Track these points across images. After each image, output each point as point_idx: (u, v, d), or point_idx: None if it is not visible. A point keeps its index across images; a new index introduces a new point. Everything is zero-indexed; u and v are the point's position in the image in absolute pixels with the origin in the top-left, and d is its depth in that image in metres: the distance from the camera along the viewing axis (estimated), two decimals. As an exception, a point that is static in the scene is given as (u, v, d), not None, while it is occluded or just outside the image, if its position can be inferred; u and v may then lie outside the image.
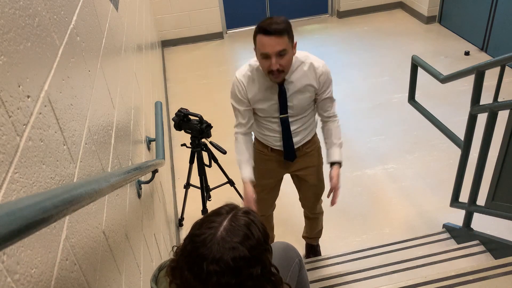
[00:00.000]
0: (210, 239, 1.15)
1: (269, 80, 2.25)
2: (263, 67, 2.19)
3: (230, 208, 1.24)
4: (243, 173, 2.45)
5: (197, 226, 1.23)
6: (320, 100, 2.43)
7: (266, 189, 2.76)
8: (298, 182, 2.81)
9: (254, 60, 2.31)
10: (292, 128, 2.45)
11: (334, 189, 2.45)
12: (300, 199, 2.96)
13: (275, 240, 3.15)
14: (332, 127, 2.54)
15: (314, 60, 2.32)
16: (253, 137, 2.62)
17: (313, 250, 3.29)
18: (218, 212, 1.24)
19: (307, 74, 2.30)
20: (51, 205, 0.71)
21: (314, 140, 2.64)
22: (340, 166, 2.54)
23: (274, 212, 3.06)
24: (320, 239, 3.30)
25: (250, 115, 2.45)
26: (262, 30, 2.07)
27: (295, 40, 2.20)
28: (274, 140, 2.53)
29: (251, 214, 1.23)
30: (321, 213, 3.06)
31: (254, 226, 1.19)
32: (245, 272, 1.13)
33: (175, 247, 1.28)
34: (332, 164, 2.53)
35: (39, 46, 1.04)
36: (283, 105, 2.34)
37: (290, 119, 2.41)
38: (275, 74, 2.15)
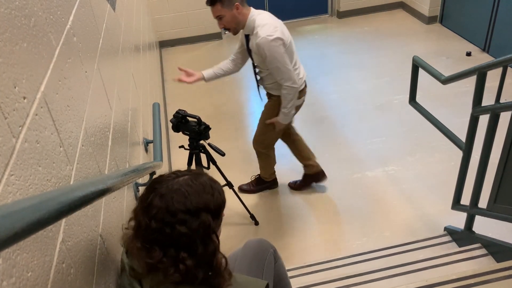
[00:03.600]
0: (167, 180, 1.33)
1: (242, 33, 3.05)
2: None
3: (199, 172, 1.39)
4: (204, 71, 3.38)
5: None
6: (269, 68, 3.01)
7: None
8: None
9: None
10: (259, 75, 3.22)
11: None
12: None
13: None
14: (283, 92, 3.08)
15: (262, 30, 2.85)
16: (231, 65, 3.41)
17: (257, 179, 3.91)
18: (187, 169, 1.41)
19: (254, 39, 2.90)
20: (47, 208, 0.71)
21: (275, 99, 3.23)
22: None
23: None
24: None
25: (238, 52, 3.30)
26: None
27: (236, 3, 2.80)
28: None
29: (216, 183, 1.38)
30: (259, 152, 3.65)
31: (210, 190, 1.33)
32: (181, 217, 1.26)
33: None
34: None
35: (35, 47, 1.05)
36: (249, 54, 3.11)
37: (256, 69, 3.20)
38: (227, 30, 3.00)
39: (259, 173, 3.87)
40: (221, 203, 1.38)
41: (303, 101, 3.33)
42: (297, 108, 3.31)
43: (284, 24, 3.02)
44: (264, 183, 3.90)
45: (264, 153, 3.64)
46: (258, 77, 3.26)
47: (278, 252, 2.21)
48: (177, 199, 1.27)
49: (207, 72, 3.37)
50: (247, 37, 3.02)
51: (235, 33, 2.99)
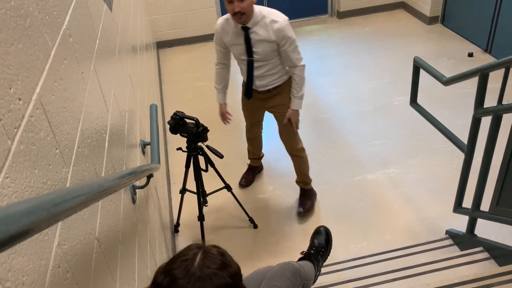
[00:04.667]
0: (187, 270, 1.12)
1: (237, 29, 2.97)
2: (229, 10, 2.85)
3: (199, 245, 1.23)
4: (218, 98, 3.53)
5: (167, 263, 1.20)
6: (281, 52, 3.03)
7: (250, 115, 3.68)
8: (276, 119, 3.48)
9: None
10: (259, 72, 3.15)
11: (292, 123, 3.33)
12: (279, 135, 3.55)
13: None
14: (294, 77, 3.15)
15: (276, 16, 2.91)
16: (225, 72, 3.43)
17: (304, 193, 3.75)
18: (187, 248, 1.22)
19: (267, 28, 2.91)
20: (43, 211, 0.71)
21: (286, 83, 3.26)
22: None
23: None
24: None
25: (224, 54, 3.29)
26: None
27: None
28: (246, 77, 3.27)
29: (220, 248, 1.24)
30: (301, 157, 3.57)
31: (228, 256, 1.21)
32: None
33: None
34: None
35: (30, 47, 1.05)
36: (248, 50, 3.03)
37: (256, 64, 3.10)
38: (238, 15, 2.81)
39: (304, 186, 3.74)
40: (237, 264, 1.26)
41: None
42: None
43: None
44: (311, 191, 3.78)
45: (304, 153, 3.58)
46: (256, 74, 3.19)
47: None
48: (217, 283, 1.12)
49: (222, 100, 3.53)
50: (246, 30, 2.95)
51: (244, 21, 2.88)
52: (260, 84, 3.24)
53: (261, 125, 3.81)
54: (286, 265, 2.19)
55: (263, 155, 4.14)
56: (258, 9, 2.91)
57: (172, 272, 1.13)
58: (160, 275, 1.16)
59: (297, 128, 3.36)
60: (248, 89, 3.33)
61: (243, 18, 2.84)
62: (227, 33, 3.06)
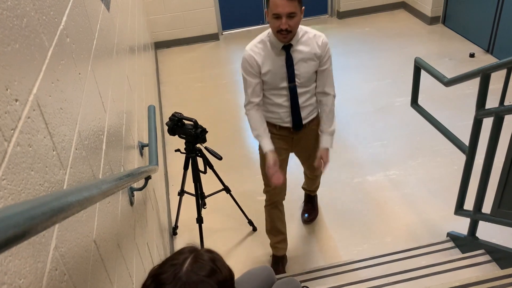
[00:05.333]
0: (174, 275, 1.13)
1: (276, 50, 2.61)
2: (273, 27, 2.51)
3: (191, 248, 1.23)
4: (264, 146, 2.80)
5: (157, 266, 1.20)
6: (320, 72, 2.73)
7: (278, 175, 2.89)
8: (302, 159, 3.20)
9: (262, 34, 2.67)
10: (300, 100, 2.75)
11: (324, 163, 2.91)
12: (305, 168, 3.33)
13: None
14: (325, 109, 2.83)
15: (317, 32, 2.67)
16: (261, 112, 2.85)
17: (311, 199, 3.69)
18: (179, 251, 1.22)
19: (311, 42, 2.63)
20: (40, 213, 0.71)
21: (318, 118, 2.93)
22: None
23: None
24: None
25: (258, 87, 2.73)
26: None
27: (303, 6, 2.51)
28: (284, 115, 2.81)
29: (215, 253, 1.24)
30: (319, 175, 3.41)
31: (220, 262, 1.21)
32: None
33: None
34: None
35: (27, 48, 1.05)
36: (291, 74, 2.65)
37: (298, 90, 2.71)
38: (284, 34, 2.48)
39: (311, 193, 3.70)
40: (231, 270, 1.26)
41: None
42: None
43: None
44: (316, 197, 3.76)
45: (321, 173, 3.37)
46: (300, 103, 2.77)
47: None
48: None
49: (269, 146, 2.78)
50: (288, 48, 2.60)
51: (290, 39, 2.55)
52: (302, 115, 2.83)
53: (286, 181, 3.14)
54: (291, 281, 2.20)
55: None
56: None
57: (159, 277, 1.15)
58: (148, 278, 1.17)
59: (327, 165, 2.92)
60: (297, 118, 2.81)
61: (288, 37, 2.53)
62: (262, 57, 2.63)
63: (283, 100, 2.75)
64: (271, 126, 2.87)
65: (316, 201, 3.75)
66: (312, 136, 2.95)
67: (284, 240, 3.28)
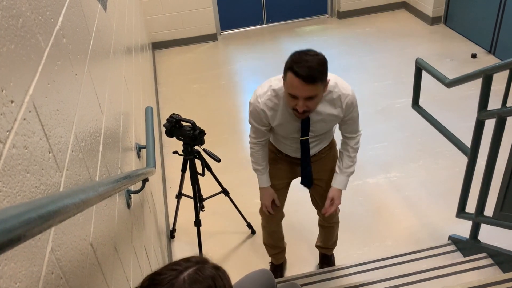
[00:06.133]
0: (169, 280, 1.13)
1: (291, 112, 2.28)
2: (288, 103, 2.20)
3: (200, 259, 1.22)
4: (262, 182, 2.66)
5: (159, 268, 1.21)
6: (343, 123, 2.47)
7: (274, 189, 2.79)
8: (313, 190, 2.84)
9: (276, 81, 2.31)
10: (312, 151, 2.55)
11: (331, 205, 2.61)
12: (314, 204, 2.96)
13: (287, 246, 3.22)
14: (348, 148, 2.55)
15: (343, 89, 2.30)
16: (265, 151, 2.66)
17: (327, 260, 3.30)
18: (187, 259, 1.22)
19: (334, 104, 2.32)
20: (36, 216, 0.71)
21: (330, 145, 2.69)
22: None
23: (285, 220, 3.07)
24: (318, 251, 3.31)
25: (266, 132, 2.51)
26: (295, 71, 2.03)
27: (328, 79, 2.17)
28: (291, 151, 2.61)
29: (220, 270, 1.22)
30: (337, 222, 3.06)
31: (220, 281, 1.19)
32: None
33: None
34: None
35: (23, 48, 1.05)
36: (304, 130, 2.40)
37: (310, 140, 2.48)
38: (300, 113, 2.18)
39: (328, 252, 3.32)
40: None
41: None
42: None
43: None
44: (333, 256, 3.37)
45: (338, 219, 3.08)
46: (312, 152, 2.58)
47: None
48: None
49: (266, 184, 2.68)
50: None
51: (306, 116, 2.28)
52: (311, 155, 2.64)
53: (283, 205, 2.98)
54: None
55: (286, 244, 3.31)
56: None
57: (157, 277, 1.16)
58: (148, 276, 1.19)
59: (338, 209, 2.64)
60: (306, 175, 2.66)
61: (305, 115, 2.25)
62: (274, 112, 2.35)
63: (292, 147, 2.56)
64: (277, 149, 2.68)
65: (333, 262, 3.33)
66: (321, 160, 2.68)
67: (282, 252, 3.24)
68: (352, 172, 2.59)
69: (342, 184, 2.59)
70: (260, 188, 2.70)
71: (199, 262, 1.20)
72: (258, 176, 2.67)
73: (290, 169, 2.74)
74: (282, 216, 3.00)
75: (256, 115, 2.38)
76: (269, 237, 3.11)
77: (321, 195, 2.78)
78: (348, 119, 2.41)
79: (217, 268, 1.21)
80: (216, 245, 3.55)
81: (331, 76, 2.24)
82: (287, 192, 2.89)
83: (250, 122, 2.49)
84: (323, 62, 2.08)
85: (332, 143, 2.71)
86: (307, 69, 2.01)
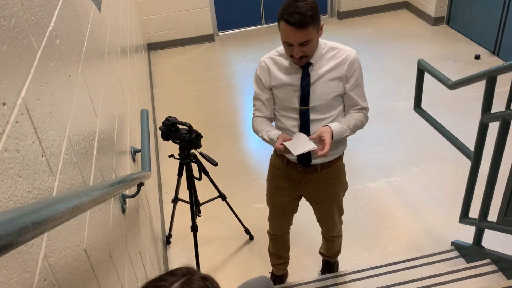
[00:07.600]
0: None
1: (293, 66, 2.36)
2: (286, 51, 2.31)
3: (187, 271, 1.19)
4: (273, 136, 2.43)
5: (147, 282, 1.18)
6: (347, 91, 2.42)
7: (279, 206, 2.85)
8: (313, 203, 2.84)
9: (281, 47, 2.39)
10: (312, 130, 2.42)
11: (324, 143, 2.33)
12: (317, 219, 2.98)
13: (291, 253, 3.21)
14: (354, 115, 2.50)
15: (345, 48, 2.39)
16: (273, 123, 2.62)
17: (329, 267, 3.31)
18: (172, 272, 1.19)
19: (337, 61, 2.35)
20: (28, 222, 0.71)
21: (338, 165, 2.68)
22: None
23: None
24: (318, 257, 3.32)
25: (269, 103, 2.52)
26: (286, 19, 2.13)
27: (321, 22, 2.26)
28: (291, 133, 2.48)
29: (209, 281, 1.19)
30: (339, 236, 3.09)
31: None
32: None
33: None
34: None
35: (15, 50, 1.05)
36: (304, 95, 2.37)
37: (311, 116, 2.41)
38: (297, 60, 2.26)
39: (330, 260, 3.32)
40: None
41: None
42: None
43: None
44: (337, 263, 3.36)
45: (341, 232, 3.11)
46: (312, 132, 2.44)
47: None
48: None
49: (275, 134, 2.44)
50: (306, 67, 2.34)
51: (305, 62, 2.30)
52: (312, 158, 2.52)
53: (292, 217, 2.98)
54: None
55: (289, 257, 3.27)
56: (322, 41, 2.36)
57: None
58: None
59: (329, 148, 2.30)
60: (304, 157, 2.48)
61: (303, 61, 2.29)
62: (276, 70, 2.41)
63: (293, 124, 2.46)
64: (279, 159, 2.63)
65: (335, 269, 3.33)
66: (324, 183, 2.65)
67: (285, 264, 3.23)
68: (349, 129, 2.44)
69: (336, 127, 2.37)
70: (276, 141, 2.40)
71: (185, 274, 1.16)
72: (269, 135, 2.45)
73: (292, 186, 2.71)
74: (288, 227, 3.04)
75: (257, 75, 2.47)
76: (274, 247, 3.13)
77: (321, 213, 2.87)
78: (352, 84, 2.39)
79: (205, 279, 1.18)
80: (213, 251, 3.55)
81: (334, 42, 2.38)
82: (296, 205, 2.89)
83: (254, 92, 2.53)
84: (314, 6, 2.19)
85: (340, 166, 2.71)
86: (298, 15, 2.11)
